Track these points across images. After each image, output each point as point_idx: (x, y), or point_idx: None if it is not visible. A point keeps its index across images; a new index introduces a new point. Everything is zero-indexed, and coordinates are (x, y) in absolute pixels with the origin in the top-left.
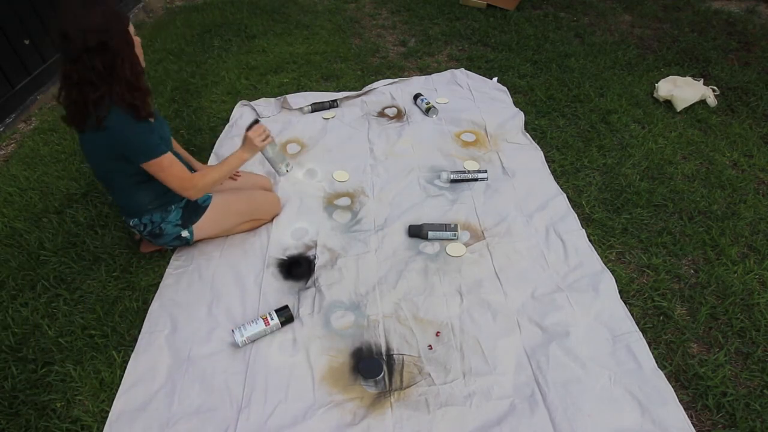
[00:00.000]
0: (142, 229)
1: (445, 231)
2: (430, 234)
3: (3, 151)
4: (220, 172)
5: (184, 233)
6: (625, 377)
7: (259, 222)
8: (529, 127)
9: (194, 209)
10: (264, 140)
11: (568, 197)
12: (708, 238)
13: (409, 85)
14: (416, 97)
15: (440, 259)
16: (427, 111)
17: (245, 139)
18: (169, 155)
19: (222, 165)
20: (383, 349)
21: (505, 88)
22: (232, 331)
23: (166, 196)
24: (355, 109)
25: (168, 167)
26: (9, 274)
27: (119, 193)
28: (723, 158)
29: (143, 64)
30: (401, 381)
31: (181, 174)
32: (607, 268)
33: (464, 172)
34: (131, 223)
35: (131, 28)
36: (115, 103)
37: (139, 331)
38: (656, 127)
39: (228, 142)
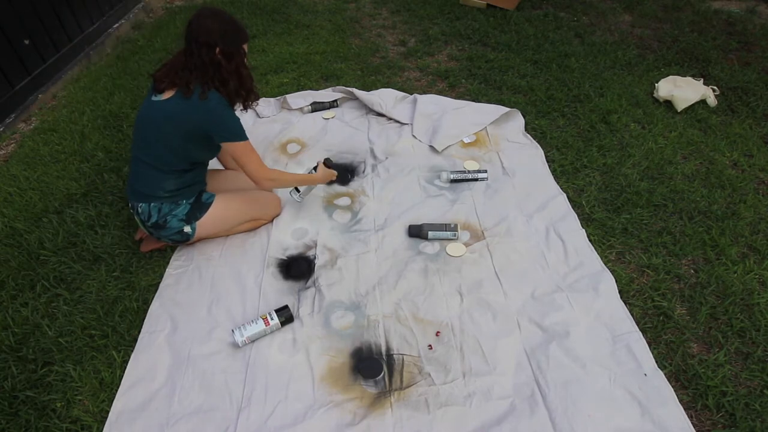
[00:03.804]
0: (146, 217)
1: (445, 231)
2: (430, 234)
3: (3, 151)
4: (294, 179)
5: (187, 228)
6: (625, 377)
7: (259, 222)
8: (529, 127)
9: (199, 206)
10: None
11: (568, 197)
12: (708, 238)
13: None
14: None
15: (440, 259)
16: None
17: (326, 173)
18: (250, 142)
19: (296, 175)
20: (383, 349)
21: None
22: (232, 331)
23: (183, 191)
24: (355, 109)
25: (251, 152)
26: (9, 274)
27: (150, 171)
28: (723, 158)
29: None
30: (401, 381)
31: (260, 161)
32: (607, 268)
33: (464, 172)
34: (139, 209)
35: (245, 46)
36: (225, 93)
37: (139, 331)
38: (656, 127)
39: None
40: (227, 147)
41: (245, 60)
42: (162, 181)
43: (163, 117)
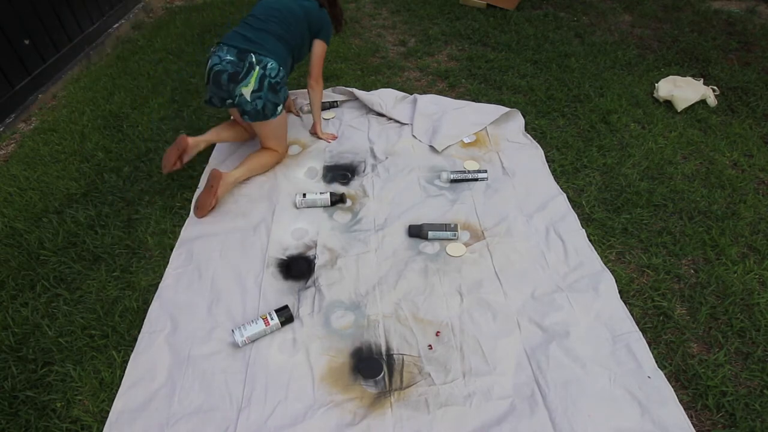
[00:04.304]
0: (274, 73)
1: (445, 231)
2: (430, 234)
3: (3, 151)
4: (316, 107)
5: (280, 108)
6: (625, 377)
7: (275, 160)
8: (529, 127)
9: (285, 96)
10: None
11: (568, 197)
12: (708, 238)
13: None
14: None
15: (440, 259)
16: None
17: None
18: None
19: (318, 106)
20: (383, 349)
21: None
22: (232, 331)
23: (287, 76)
24: (355, 109)
25: (323, 55)
26: (9, 274)
27: (281, 43)
28: (723, 158)
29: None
30: (401, 381)
31: (321, 66)
32: (607, 268)
33: (464, 172)
34: (269, 64)
35: None
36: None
37: (139, 331)
38: (656, 127)
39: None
40: (317, 44)
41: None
42: (287, 54)
43: (296, 9)
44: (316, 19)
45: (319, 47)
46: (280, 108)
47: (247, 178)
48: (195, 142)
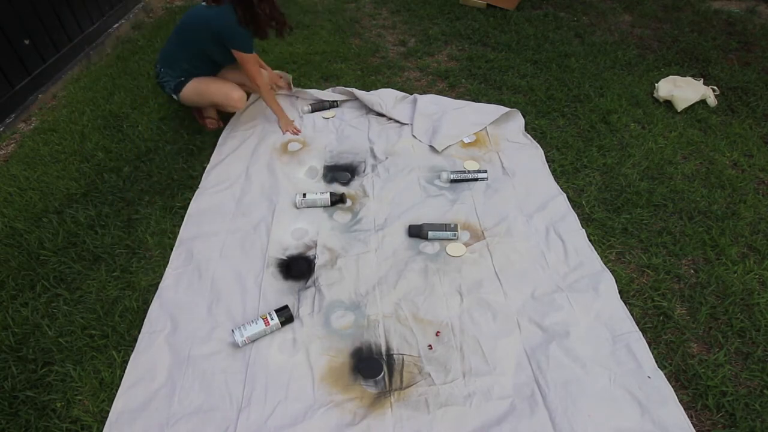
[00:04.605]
0: (160, 77)
1: (445, 231)
2: (430, 234)
3: (3, 151)
4: (270, 103)
5: (172, 85)
6: (625, 377)
7: (223, 106)
8: (529, 127)
9: (174, 85)
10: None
11: (568, 197)
12: (708, 238)
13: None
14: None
15: (440, 259)
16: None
17: (287, 121)
18: (255, 56)
19: (274, 106)
20: (383, 349)
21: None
22: (232, 331)
23: (176, 71)
24: (355, 109)
25: (247, 64)
26: (9, 274)
27: (173, 55)
28: (723, 158)
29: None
30: (401, 381)
31: (257, 72)
32: (607, 268)
33: (464, 172)
34: (161, 69)
35: None
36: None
37: (139, 331)
38: (656, 127)
39: (230, 141)
40: (235, 55)
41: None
42: (175, 61)
43: (187, 21)
44: (222, 33)
45: (238, 57)
46: (174, 97)
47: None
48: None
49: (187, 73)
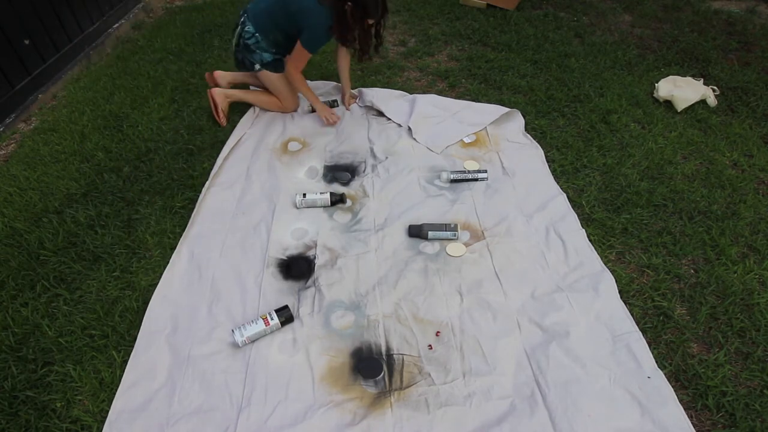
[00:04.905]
0: (248, 36)
1: (445, 231)
2: (430, 234)
3: (3, 151)
4: (306, 93)
5: (257, 66)
6: (625, 377)
7: (282, 107)
8: (529, 127)
9: (262, 59)
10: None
11: (568, 197)
12: (708, 238)
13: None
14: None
15: (440, 259)
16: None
17: (326, 110)
18: (309, 56)
19: (309, 90)
20: (383, 349)
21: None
22: (232, 331)
23: (269, 44)
24: (355, 109)
25: (298, 56)
26: (9, 274)
27: (267, 17)
28: (723, 158)
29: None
30: (401, 381)
31: (299, 66)
32: (607, 268)
33: (464, 172)
34: (247, 27)
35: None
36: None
37: (139, 331)
38: (656, 127)
39: (230, 141)
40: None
41: (371, 27)
42: (269, 31)
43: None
44: (300, 17)
45: (297, 47)
46: (257, 66)
47: (245, 102)
48: (221, 92)
49: (283, 50)
